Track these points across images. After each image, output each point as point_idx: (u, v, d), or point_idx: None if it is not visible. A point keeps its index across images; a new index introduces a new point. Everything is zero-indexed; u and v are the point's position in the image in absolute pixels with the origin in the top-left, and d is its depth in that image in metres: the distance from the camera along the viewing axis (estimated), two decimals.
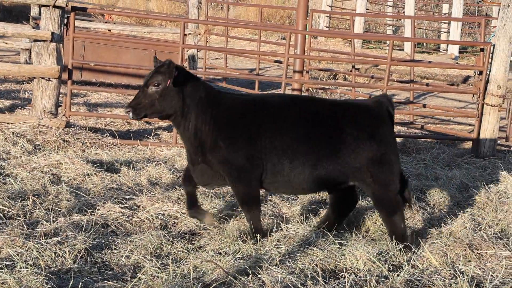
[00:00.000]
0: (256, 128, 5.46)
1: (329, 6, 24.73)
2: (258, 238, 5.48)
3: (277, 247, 5.39)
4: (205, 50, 14.48)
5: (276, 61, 14.20)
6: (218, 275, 4.81)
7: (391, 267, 5.19)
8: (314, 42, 20.24)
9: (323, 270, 5.04)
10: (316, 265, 5.06)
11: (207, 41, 15.19)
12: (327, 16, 24.13)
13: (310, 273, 4.92)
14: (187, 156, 5.72)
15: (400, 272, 5.03)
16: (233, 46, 19.93)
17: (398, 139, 9.87)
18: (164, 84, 5.39)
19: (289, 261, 5.10)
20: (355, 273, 5.00)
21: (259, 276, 4.83)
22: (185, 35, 11.61)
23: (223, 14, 25.59)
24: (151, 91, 5.41)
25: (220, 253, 5.25)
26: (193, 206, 5.80)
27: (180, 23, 9.37)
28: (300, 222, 5.96)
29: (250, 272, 4.86)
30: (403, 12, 25.70)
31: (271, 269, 4.92)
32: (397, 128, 11.44)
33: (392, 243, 5.47)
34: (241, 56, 16.99)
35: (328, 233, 5.60)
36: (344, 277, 4.91)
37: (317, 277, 4.86)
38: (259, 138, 5.44)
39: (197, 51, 14.40)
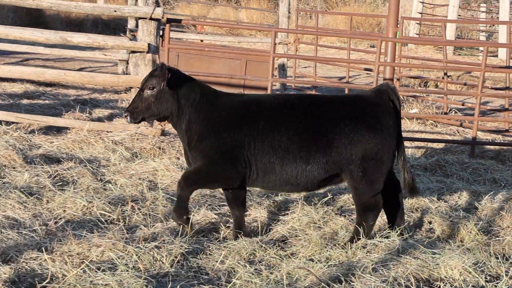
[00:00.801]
0: (248, 128, 5.44)
1: (420, 13, 24.30)
2: (182, 215, 5.52)
3: (369, 255, 5.36)
4: (295, 58, 14.58)
5: (366, 69, 14.11)
6: (311, 282, 4.84)
7: (488, 277, 5.06)
8: (405, 50, 19.95)
9: (417, 279, 4.98)
10: (410, 273, 5.00)
11: (296, 50, 15.32)
12: (418, 23, 23.71)
13: (404, 282, 4.86)
14: (184, 156, 5.78)
15: (498, 283, 4.90)
16: (323, 54, 19.92)
17: (493, 147, 9.59)
18: (159, 87, 5.47)
19: (382, 269, 5.06)
20: (450, 283, 4.90)
21: (352, 283, 4.83)
22: (276, 44, 11.73)
23: (312, 23, 25.67)
24: (147, 95, 5.50)
25: (312, 260, 5.27)
26: (241, 228, 5.72)
27: (270, 33, 9.50)
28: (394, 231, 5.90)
29: (343, 280, 4.87)
30: (497, 17, 24.87)
31: (363, 277, 4.90)
32: (491, 136, 11.10)
33: (486, 255, 5.33)
34: (331, 64, 16.99)
35: (420, 245, 5.50)
36: (439, 287, 4.84)
37: (411, 286, 4.81)
38: (248, 139, 5.43)
39: (287, 60, 14.54)
